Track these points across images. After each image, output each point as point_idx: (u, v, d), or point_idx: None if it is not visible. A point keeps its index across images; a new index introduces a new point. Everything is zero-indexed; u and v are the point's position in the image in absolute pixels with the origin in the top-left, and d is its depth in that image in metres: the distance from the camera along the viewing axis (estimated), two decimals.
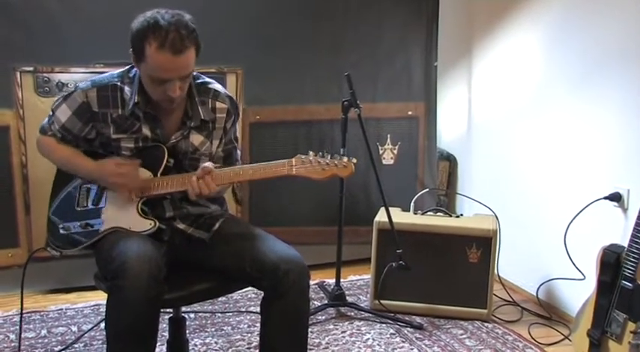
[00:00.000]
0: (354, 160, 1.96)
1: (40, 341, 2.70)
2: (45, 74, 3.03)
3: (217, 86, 2.20)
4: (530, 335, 2.82)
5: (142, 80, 2.04)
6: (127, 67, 2.10)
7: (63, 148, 2.15)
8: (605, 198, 2.72)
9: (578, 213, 2.79)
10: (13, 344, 2.64)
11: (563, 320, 2.97)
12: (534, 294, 3.13)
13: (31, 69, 3.01)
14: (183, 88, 1.99)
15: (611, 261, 2.36)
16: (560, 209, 2.98)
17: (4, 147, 3.04)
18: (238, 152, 2.31)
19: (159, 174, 2.07)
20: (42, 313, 2.96)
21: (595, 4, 2.81)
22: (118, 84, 2.07)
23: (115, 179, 2.05)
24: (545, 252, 3.11)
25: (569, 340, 2.73)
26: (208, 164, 2.03)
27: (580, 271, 2.77)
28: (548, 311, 3.04)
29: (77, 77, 2.99)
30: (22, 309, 2.35)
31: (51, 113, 2.16)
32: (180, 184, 2.04)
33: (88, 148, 2.16)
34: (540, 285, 3.09)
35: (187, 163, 2.14)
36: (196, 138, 2.13)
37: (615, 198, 2.69)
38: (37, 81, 3.03)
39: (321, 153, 1.96)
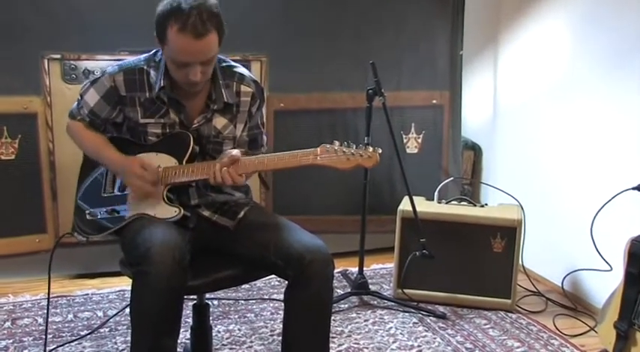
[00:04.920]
0: (380, 150, 1.95)
1: (66, 325, 2.74)
2: (72, 61, 3.05)
3: (242, 70, 2.19)
4: (554, 325, 2.79)
5: (166, 63, 2.04)
6: (153, 51, 2.11)
7: (91, 135, 2.16)
8: (634, 188, 2.67)
9: (606, 204, 2.74)
10: (40, 328, 2.69)
11: (588, 311, 2.94)
12: (559, 285, 3.10)
13: (58, 56, 3.03)
14: (205, 73, 1.99)
15: None
16: (586, 199, 2.94)
17: (32, 134, 3.07)
18: (264, 137, 2.31)
19: (184, 162, 2.07)
20: (68, 298, 3.01)
21: None
22: (145, 67, 2.08)
23: (133, 180, 2.04)
24: (571, 243, 3.07)
25: (595, 331, 2.70)
26: (236, 152, 2.01)
27: (607, 262, 2.73)
28: (573, 302, 3.01)
29: (103, 64, 2.99)
30: (49, 294, 2.37)
31: (79, 98, 2.17)
32: (204, 172, 2.03)
33: (116, 134, 2.18)
34: (566, 276, 3.06)
35: (210, 147, 2.14)
36: (219, 122, 2.13)
37: None
38: (64, 68, 3.06)
39: (346, 143, 1.94)
